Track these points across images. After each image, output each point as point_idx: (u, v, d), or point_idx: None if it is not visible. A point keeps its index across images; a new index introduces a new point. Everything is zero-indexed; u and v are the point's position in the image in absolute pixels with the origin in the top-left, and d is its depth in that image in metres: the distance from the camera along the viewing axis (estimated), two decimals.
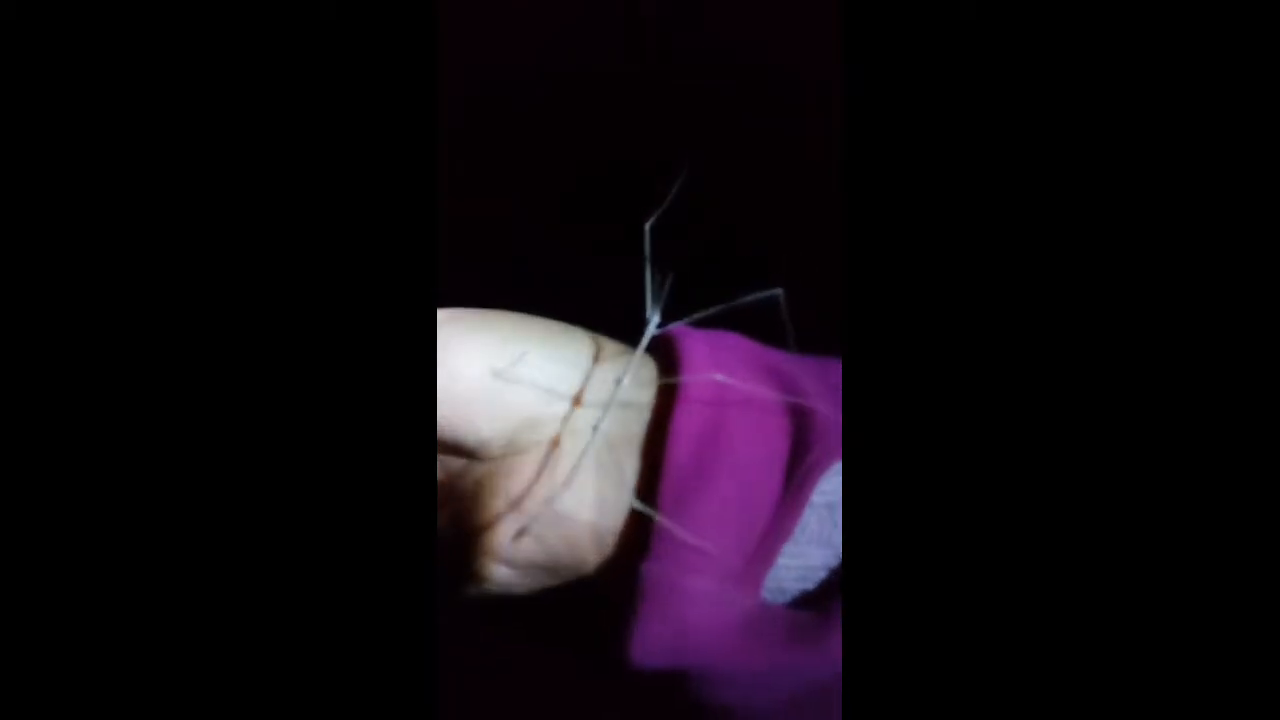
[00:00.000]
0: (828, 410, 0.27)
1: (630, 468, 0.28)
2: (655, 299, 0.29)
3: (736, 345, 0.29)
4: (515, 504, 0.28)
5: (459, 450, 0.29)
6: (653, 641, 0.26)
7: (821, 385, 0.28)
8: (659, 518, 0.26)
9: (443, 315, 0.28)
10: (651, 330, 0.29)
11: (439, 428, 0.28)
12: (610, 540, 0.28)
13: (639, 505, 0.27)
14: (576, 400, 0.28)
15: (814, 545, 0.27)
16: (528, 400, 0.28)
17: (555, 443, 0.28)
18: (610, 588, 0.28)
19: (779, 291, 0.25)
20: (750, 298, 0.27)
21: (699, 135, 0.42)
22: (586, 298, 0.30)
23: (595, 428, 0.28)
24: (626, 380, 0.28)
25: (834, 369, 0.29)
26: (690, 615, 0.26)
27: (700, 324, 0.29)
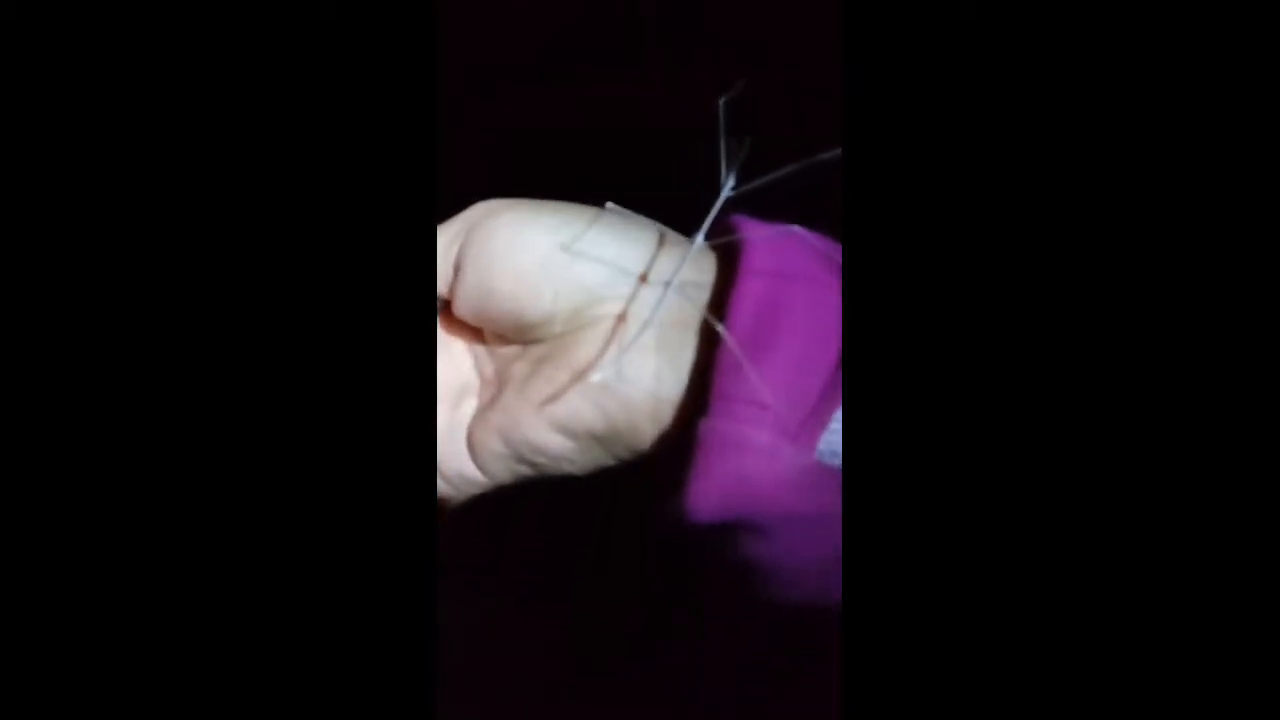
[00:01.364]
0: None
1: (689, 346, 0.29)
2: (730, 165, 0.29)
3: (796, 231, 0.30)
4: (579, 374, 0.29)
5: (520, 330, 0.30)
6: (710, 491, 0.27)
7: None
8: (719, 327, 0.27)
9: (507, 201, 0.29)
10: (726, 192, 0.29)
11: (504, 304, 0.29)
12: (667, 414, 0.29)
13: (709, 317, 0.28)
14: (643, 277, 0.29)
15: None
16: (594, 275, 0.29)
17: (622, 318, 0.29)
18: (666, 453, 0.29)
19: (839, 152, 0.25)
20: (817, 158, 0.27)
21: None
22: None
23: (666, 284, 0.28)
24: (700, 239, 0.29)
25: None
26: (746, 465, 0.27)
27: (763, 193, 0.30)
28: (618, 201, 0.30)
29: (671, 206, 0.30)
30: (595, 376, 0.28)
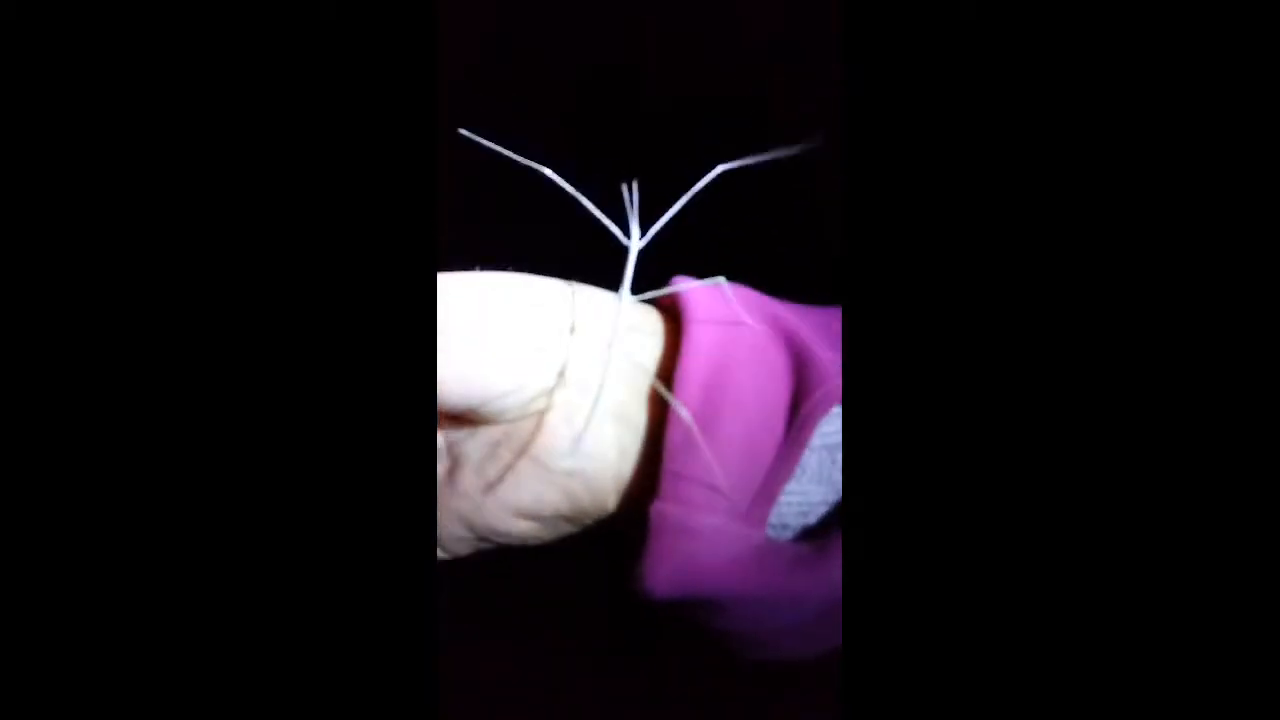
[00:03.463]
0: (828, 355, 0.28)
1: (641, 416, 0.29)
2: (630, 212, 0.28)
3: (737, 293, 0.29)
4: (537, 459, 0.28)
5: (470, 415, 0.29)
6: (663, 575, 0.27)
7: (822, 332, 0.29)
8: (679, 407, 0.27)
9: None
10: (637, 244, 0.29)
11: (450, 400, 0.27)
12: (628, 483, 0.29)
13: (661, 388, 0.28)
14: (571, 329, 0.28)
15: (814, 483, 0.28)
16: (540, 357, 0.28)
17: (560, 374, 0.28)
18: (624, 526, 0.29)
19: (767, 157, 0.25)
20: (770, 157, 0.27)
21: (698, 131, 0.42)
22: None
23: (609, 345, 0.28)
24: (625, 295, 0.28)
25: (835, 318, 0.30)
26: (698, 550, 0.27)
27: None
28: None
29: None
30: (564, 464, 0.28)
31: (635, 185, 0.28)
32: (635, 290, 0.29)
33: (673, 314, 0.29)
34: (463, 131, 0.28)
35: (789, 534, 0.28)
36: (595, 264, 0.30)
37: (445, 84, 0.26)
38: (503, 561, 0.32)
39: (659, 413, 0.28)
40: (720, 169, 0.28)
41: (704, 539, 0.27)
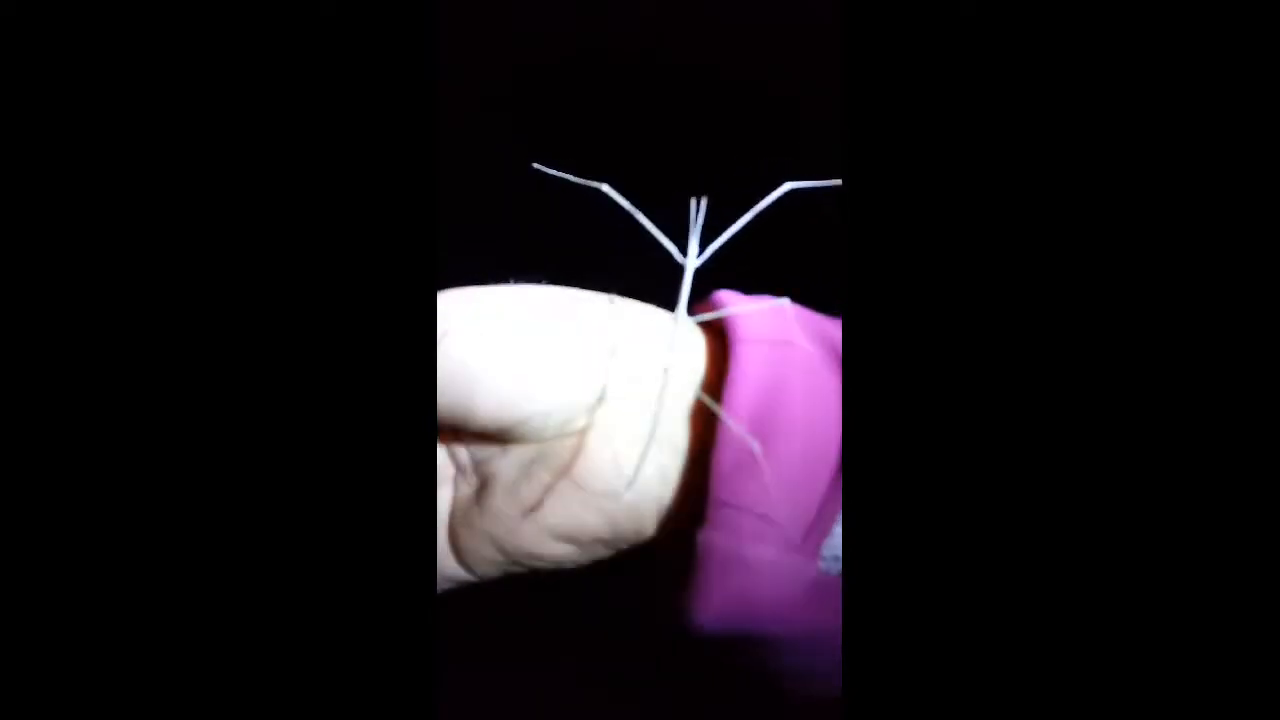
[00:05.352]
0: None
1: (683, 438, 0.27)
2: (692, 229, 0.28)
3: (787, 310, 0.28)
4: (575, 479, 0.27)
5: (504, 436, 0.27)
6: (714, 608, 0.26)
7: None
8: (739, 430, 0.25)
9: (470, 298, 0.27)
10: (693, 261, 0.28)
11: (487, 422, 0.26)
12: (669, 508, 0.27)
13: (716, 408, 0.26)
14: (613, 346, 0.27)
15: None
16: (583, 380, 0.27)
17: (601, 393, 0.27)
18: (667, 554, 0.28)
19: (838, 182, 0.24)
20: (809, 184, 0.26)
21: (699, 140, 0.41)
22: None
23: (665, 370, 0.27)
24: (682, 314, 0.28)
25: None
26: (751, 584, 0.26)
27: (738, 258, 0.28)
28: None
29: (675, 205, 0.29)
30: (626, 496, 0.27)
31: (703, 202, 0.27)
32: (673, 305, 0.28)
33: (717, 331, 0.28)
34: (536, 165, 0.28)
35: (841, 566, 0.27)
36: (627, 276, 0.29)
37: (444, 89, 0.25)
38: (528, 586, 0.31)
39: (703, 435, 0.27)
40: (787, 187, 0.27)
41: (756, 572, 0.25)
